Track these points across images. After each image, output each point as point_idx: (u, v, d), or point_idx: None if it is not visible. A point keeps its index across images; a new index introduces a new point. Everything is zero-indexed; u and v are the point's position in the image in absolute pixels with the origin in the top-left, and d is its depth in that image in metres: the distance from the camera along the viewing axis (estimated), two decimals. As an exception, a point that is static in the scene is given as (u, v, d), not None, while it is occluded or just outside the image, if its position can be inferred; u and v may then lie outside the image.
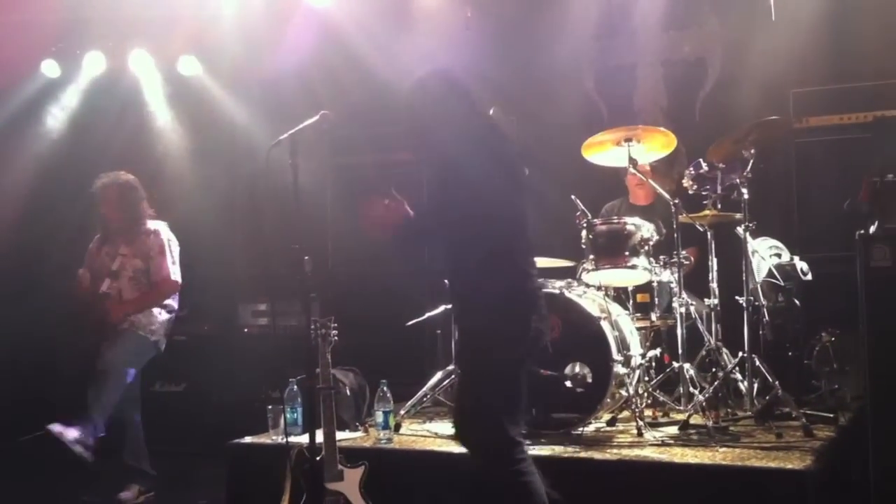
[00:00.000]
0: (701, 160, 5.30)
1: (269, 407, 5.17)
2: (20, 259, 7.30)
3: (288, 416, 4.91)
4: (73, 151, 7.58)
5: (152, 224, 5.89)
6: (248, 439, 5.11)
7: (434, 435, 5.13)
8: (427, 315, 6.14)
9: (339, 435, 4.26)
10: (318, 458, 4.03)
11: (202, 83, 7.75)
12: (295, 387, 4.98)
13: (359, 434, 5.21)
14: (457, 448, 4.67)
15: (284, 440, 4.65)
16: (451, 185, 3.67)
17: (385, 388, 4.97)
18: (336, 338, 4.28)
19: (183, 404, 7.03)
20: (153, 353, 5.79)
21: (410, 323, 6.24)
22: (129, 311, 5.71)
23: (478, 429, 3.61)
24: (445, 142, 3.72)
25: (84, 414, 5.42)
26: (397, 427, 5.18)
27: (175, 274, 5.84)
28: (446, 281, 3.88)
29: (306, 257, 3.98)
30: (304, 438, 4.29)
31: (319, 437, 4.04)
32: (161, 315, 5.81)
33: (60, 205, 6.54)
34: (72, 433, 5.28)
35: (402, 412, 5.42)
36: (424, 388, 5.63)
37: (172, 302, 5.91)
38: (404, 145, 4.05)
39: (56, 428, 5.28)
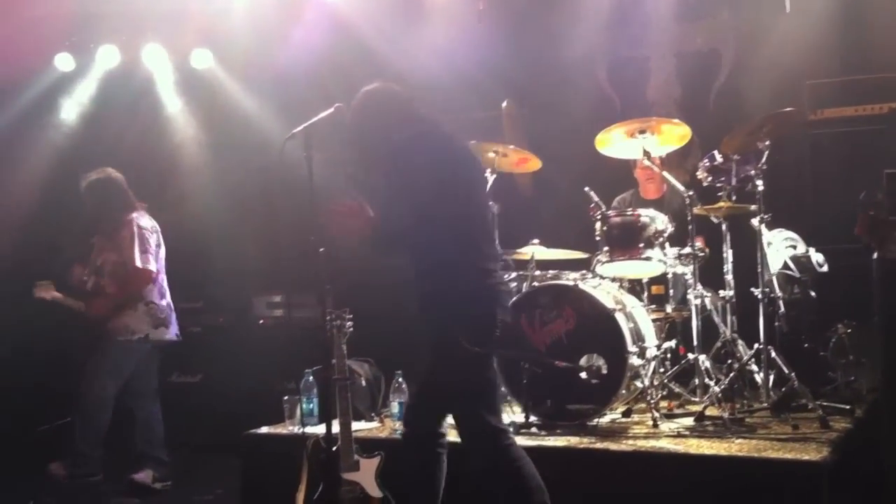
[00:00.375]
0: (715, 152, 5.29)
1: (285, 397, 5.18)
2: (35, 251, 7.32)
3: (304, 406, 4.93)
4: (87, 145, 7.61)
5: (131, 215, 5.82)
6: (264, 429, 5.13)
7: (449, 425, 5.13)
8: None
9: (355, 425, 4.27)
10: (334, 449, 4.04)
11: (215, 76, 7.76)
12: (311, 377, 5.00)
13: (374, 424, 5.22)
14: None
15: (300, 430, 4.69)
16: (405, 191, 3.78)
17: (400, 380, 4.99)
18: (351, 329, 4.29)
19: (199, 395, 7.08)
20: (144, 349, 5.78)
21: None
22: (108, 306, 5.72)
23: (428, 419, 3.84)
24: (394, 150, 3.85)
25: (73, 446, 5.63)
26: (412, 419, 5.18)
27: (144, 262, 5.71)
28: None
29: (321, 249, 3.99)
30: (320, 429, 4.31)
31: (335, 427, 4.05)
32: (138, 310, 5.75)
33: (74, 198, 6.57)
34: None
35: (416, 404, 5.43)
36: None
37: (151, 294, 5.81)
38: (350, 159, 4.12)
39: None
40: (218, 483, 5.73)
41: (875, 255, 4.46)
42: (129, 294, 5.74)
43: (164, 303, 5.88)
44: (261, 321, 7.29)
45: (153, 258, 5.80)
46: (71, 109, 7.89)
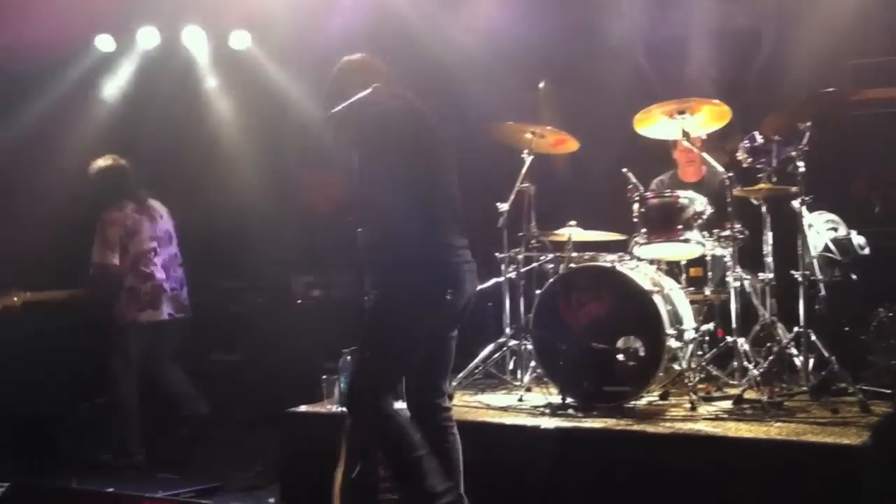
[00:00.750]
0: (756, 133, 5.23)
1: (324, 377, 5.23)
2: (75, 235, 7.41)
3: (342, 385, 4.97)
4: (127, 126, 7.68)
5: (110, 213, 6.02)
6: (303, 408, 5.17)
7: (486, 406, 5.17)
8: (478, 288, 6.15)
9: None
10: (372, 428, 4.07)
11: (254, 57, 7.80)
12: (349, 357, 5.03)
13: (411, 404, 5.25)
14: (509, 419, 4.74)
15: (339, 409, 4.73)
16: (374, 161, 3.84)
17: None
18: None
19: (239, 373, 7.16)
20: (139, 332, 5.99)
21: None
22: (86, 300, 5.95)
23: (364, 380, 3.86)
24: (364, 122, 3.88)
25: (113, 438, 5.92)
26: (449, 398, 5.21)
27: (99, 256, 5.91)
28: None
29: (359, 230, 4.01)
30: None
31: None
32: (121, 298, 5.96)
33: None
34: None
35: (453, 384, 5.46)
36: (476, 360, 5.66)
37: (132, 279, 5.99)
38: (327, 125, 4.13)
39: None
40: (257, 460, 5.80)
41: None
42: (89, 292, 5.94)
43: (148, 286, 6.02)
44: (300, 301, 7.35)
45: (114, 251, 5.94)
46: (111, 90, 7.96)
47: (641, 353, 4.88)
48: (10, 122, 7.42)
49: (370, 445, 3.95)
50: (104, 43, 7.68)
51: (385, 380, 3.86)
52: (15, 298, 5.72)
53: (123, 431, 5.90)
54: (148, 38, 7.66)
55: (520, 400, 5.25)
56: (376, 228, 3.88)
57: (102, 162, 6.13)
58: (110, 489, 4.78)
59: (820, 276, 5.18)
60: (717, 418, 4.61)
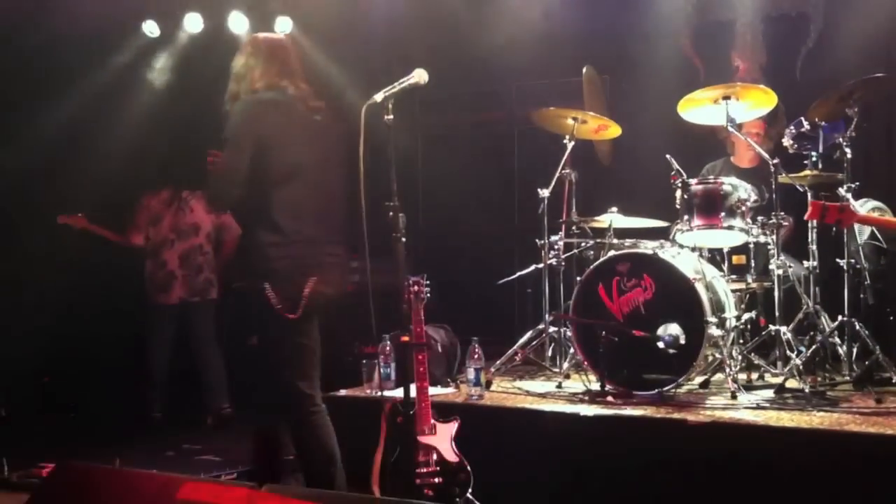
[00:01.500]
0: (802, 119, 5.17)
1: (364, 361, 5.27)
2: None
3: (381, 370, 5.00)
4: (172, 111, 7.76)
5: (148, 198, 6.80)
6: (343, 392, 5.22)
7: (524, 392, 5.17)
8: (518, 274, 6.17)
9: (431, 390, 4.31)
10: (411, 412, 4.10)
11: (296, 41, 7.80)
12: (388, 342, 5.06)
13: (450, 390, 5.28)
14: (548, 406, 4.74)
15: (379, 394, 4.76)
16: (233, 147, 3.85)
17: (476, 346, 5.02)
18: (428, 295, 4.33)
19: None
20: (163, 313, 6.66)
21: (501, 282, 6.29)
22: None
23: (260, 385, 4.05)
24: (239, 105, 3.94)
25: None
26: (488, 384, 5.23)
27: (129, 234, 6.76)
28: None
29: (400, 215, 4.02)
30: (397, 392, 4.38)
31: (413, 391, 4.10)
32: (146, 279, 6.74)
33: (155, 168, 6.87)
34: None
35: (492, 370, 5.47)
36: (515, 347, 5.66)
37: (150, 264, 6.73)
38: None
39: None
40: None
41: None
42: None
43: (162, 272, 6.66)
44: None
45: (139, 231, 6.73)
46: (157, 76, 8.04)
47: (682, 341, 4.84)
48: (58, 108, 7.55)
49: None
50: (150, 28, 7.76)
51: (294, 374, 4.03)
52: (80, 215, 6.54)
53: (147, 398, 6.64)
54: (193, 24, 7.72)
55: (559, 387, 5.25)
56: (243, 225, 4.02)
57: None
58: (153, 470, 4.85)
59: (865, 265, 5.11)
60: (758, 407, 4.57)
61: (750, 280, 5.28)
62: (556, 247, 5.76)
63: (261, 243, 3.85)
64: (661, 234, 5.55)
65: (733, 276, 5.33)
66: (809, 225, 5.17)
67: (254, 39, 4.13)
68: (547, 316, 5.70)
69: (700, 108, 5.41)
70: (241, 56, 4.08)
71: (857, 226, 5.16)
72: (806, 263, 5.22)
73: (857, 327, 4.87)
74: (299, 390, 3.95)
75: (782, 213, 5.15)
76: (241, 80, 4.02)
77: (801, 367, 4.78)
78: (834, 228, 4.93)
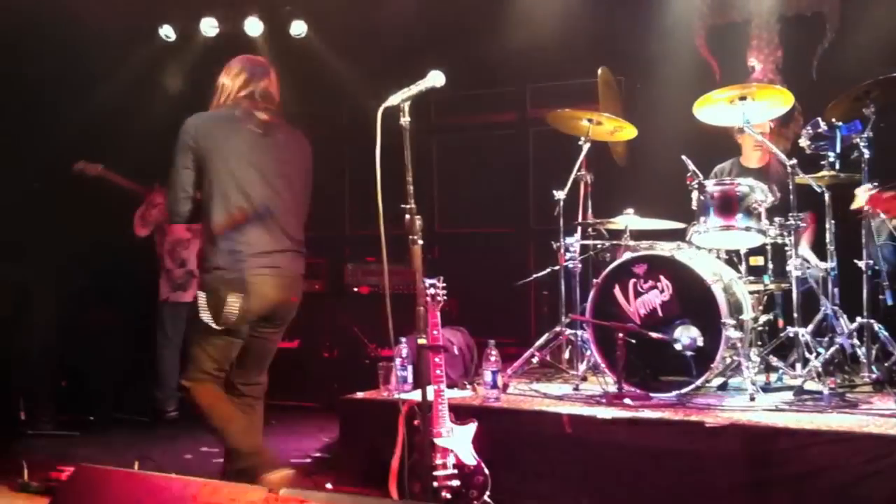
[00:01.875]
0: (819, 119, 5.14)
1: (381, 364, 5.28)
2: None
3: (398, 373, 5.01)
4: (187, 115, 7.77)
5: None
6: (360, 394, 5.22)
7: (541, 395, 5.16)
8: (534, 276, 6.16)
9: (448, 393, 4.31)
10: (428, 415, 4.10)
11: (311, 45, 7.84)
12: (405, 345, 5.07)
13: (467, 393, 5.28)
14: (565, 408, 4.73)
15: (396, 396, 4.77)
16: (173, 164, 4.14)
17: (493, 348, 5.02)
18: (444, 298, 4.33)
19: (297, 359, 7.24)
20: (173, 311, 6.80)
21: (518, 284, 6.29)
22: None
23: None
24: (198, 115, 4.20)
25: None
26: (505, 387, 5.22)
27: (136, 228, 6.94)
28: None
29: (416, 217, 4.02)
30: (414, 395, 4.38)
31: (429, 394, 4.10)
32: (162, 276, 6.96)
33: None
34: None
35: (509, 372, 5.47)
36: (531, 349, 5.66)
37: (166, 262, 6.95)
38: None
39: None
40: (314, 445, 5.87)
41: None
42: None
43: (181, 271, 6.85)
44: (355, 289, 7.40)
45: (144, 226, 6.88)
46: (173, 80, 8.08)
47: (699, 343, 4.83)
48: (79, 110, 7.60)
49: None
50: (167, 32, 7.80)
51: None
52: (100, 167, 6.72)
53: (160, 394, 6.80)
54: (209, 28, 7.76)
55: (576, 389, 5.24)
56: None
57: None
58: (171, 473, 4.87)
59: (884, 266, 5.08)
60: (776, 409, 4.54)
61: (767, 281, 5.25)
62: (572, 249, 5.75)
63: (203, 254, 4.14)
64: (677, 236, 5.53)
65: (751, 278, 5.31)
66: (826, 225, 5.15)
67: (239, 59, 4.36)
68: (563, 318, 5.69)
69: (716, 109, 5.39)
70: (222, 74, 4.33)
71: (875, 227, 5.14)
72: (823, 264, 5.19)
73: (877, 328, 4.84)
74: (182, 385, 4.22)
75: (801, 214, 5.12)
76: (214, 96, 4.29)
77: (819, 369, 4.76)
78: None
